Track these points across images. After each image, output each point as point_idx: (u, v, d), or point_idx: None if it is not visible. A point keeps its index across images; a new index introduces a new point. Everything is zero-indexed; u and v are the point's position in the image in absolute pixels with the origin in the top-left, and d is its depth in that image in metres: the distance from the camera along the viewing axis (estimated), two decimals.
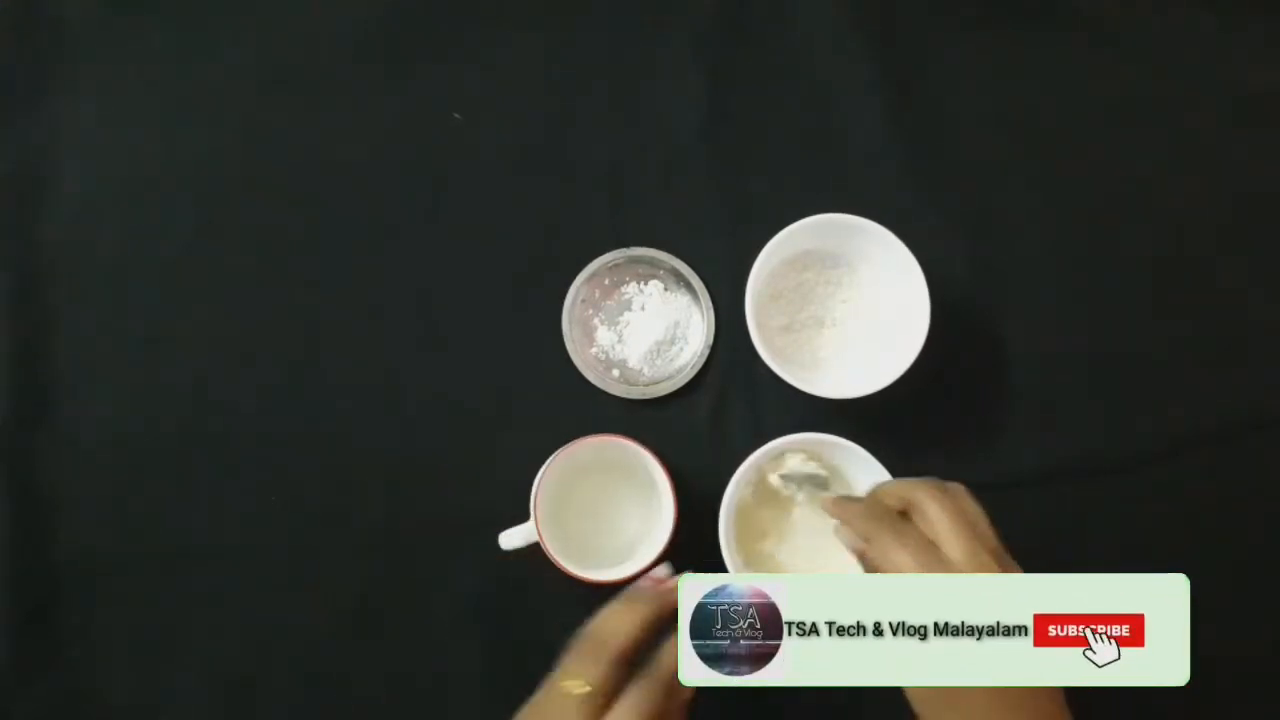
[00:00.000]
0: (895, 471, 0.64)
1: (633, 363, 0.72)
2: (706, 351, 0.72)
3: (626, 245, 0.73)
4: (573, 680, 0.53)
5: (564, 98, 0.75)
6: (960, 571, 0.50)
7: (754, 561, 0.67)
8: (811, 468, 0.67)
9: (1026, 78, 0.76)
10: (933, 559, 0.51)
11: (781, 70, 0.76)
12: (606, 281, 0.73)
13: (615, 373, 0.72)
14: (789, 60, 0.76)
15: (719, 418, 0.72)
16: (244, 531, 0.71)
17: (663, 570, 0.64)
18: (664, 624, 0.56)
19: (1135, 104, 0.76)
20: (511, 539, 0.65)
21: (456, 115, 0.75)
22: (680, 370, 0.72)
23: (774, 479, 0.67)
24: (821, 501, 0.61)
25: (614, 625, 0.55)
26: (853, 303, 0.71)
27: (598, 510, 0.69)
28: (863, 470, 0.66)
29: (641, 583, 0.61)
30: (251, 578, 0.71)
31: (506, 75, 0.76)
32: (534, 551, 0.64)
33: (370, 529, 0.71)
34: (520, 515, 0.65)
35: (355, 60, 0.75)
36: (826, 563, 0.67)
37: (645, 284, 0.73)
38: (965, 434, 0.72)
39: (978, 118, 0.76)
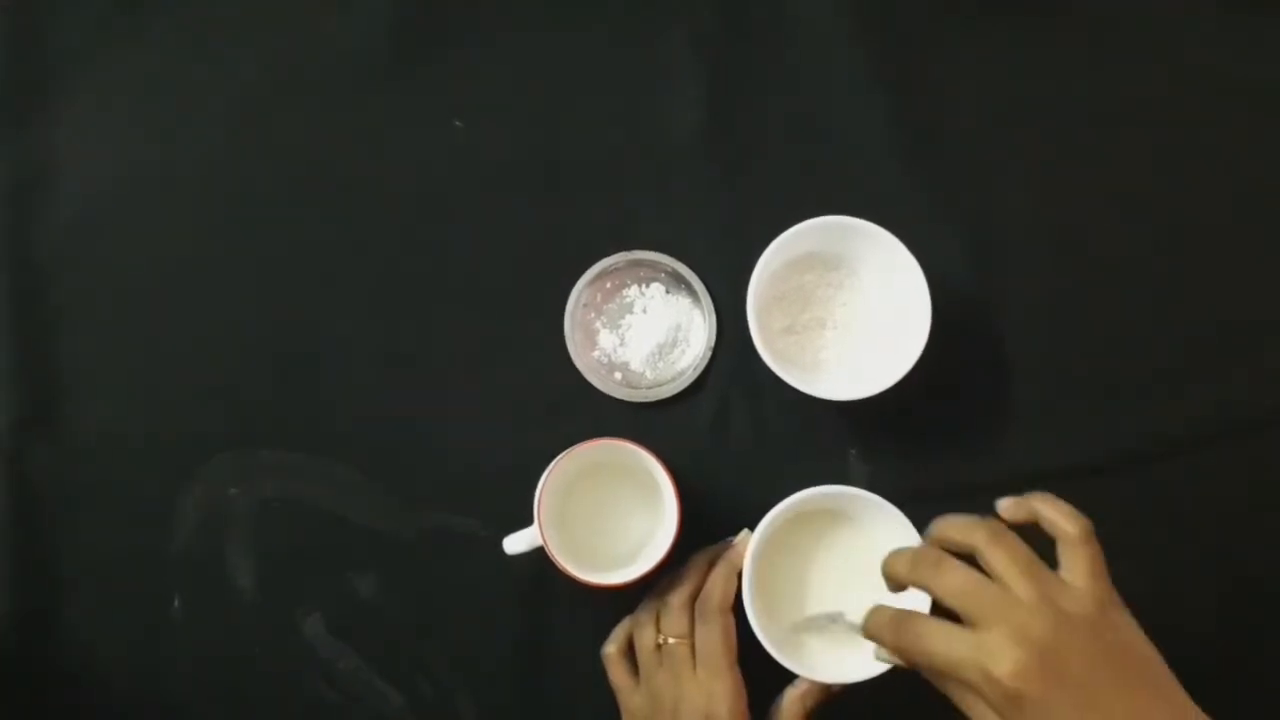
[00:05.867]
0: (904, 491, 0.65)
1: (635, 365, 0.72)
2: (709, 354, 0.72)
3: (627, 248, 0.73)
4: (682, 637, 0.64)
5: (564, 100, 0.75)
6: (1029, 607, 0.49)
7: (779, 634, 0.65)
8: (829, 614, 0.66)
9: (1026, 77, 0.76)
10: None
11: (782, 71, 0.75)
12: (608, 284, 0.73)
13: (617, 376, 0.72)
14: (789, 61, 0.75)
15: (721, 420, 0.72)
16: (244, 534, 0.71)
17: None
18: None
19: (1136, 102, 0.76)
20: (516, 543, 0.65)
21: (457, 123, 0.74)
22: (682, 373, 0.72)
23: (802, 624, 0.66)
24: (885, 564, 0.57)
25: (723, 591, 0.64)
26: (854, 305, 0.71)
27: (601, 513, 0.69)
28: (883, 521, 0.65)
29: (717, 547, 0.67)
30: (253, 582, 0.71)
31: (506, 79, 0.75)
32: (538, 555, 0.64)
33: (372, 535, 0.71)
34: (524, 519, 0.65)
35: (355, 67, 0.75)
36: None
37: (646, 286, 0.73)
38: (966, 434, 0.72)
39: (978, 118, 0.75)
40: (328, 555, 0.71)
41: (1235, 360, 0.73)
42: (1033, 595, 0.49)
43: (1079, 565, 0.51)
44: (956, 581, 0.51)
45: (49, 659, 0.70)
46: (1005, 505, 0.55)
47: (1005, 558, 0.50)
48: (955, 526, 0.53)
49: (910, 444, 0.71)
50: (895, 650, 0.53)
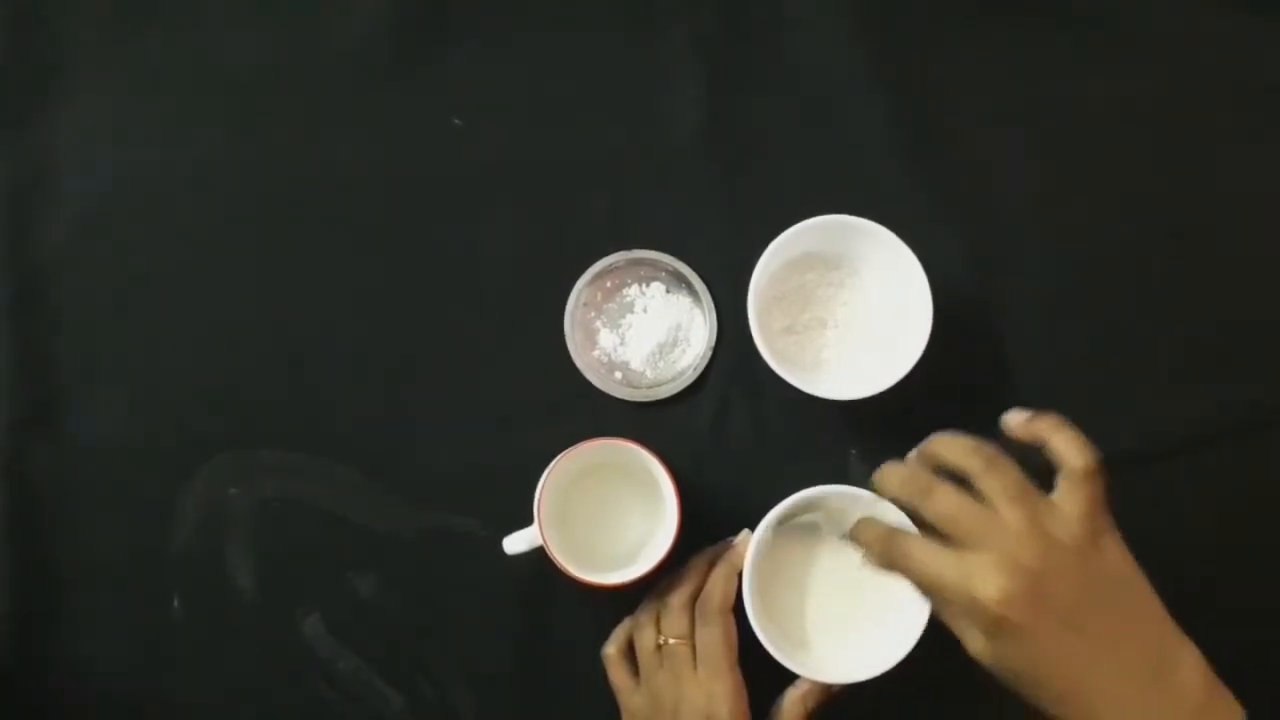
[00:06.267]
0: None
1: (635, 365, 0.72)
2: (709, 353, 0.72)
3: (628, 247, 0.73)
4: (682, 637, 0.64)
5: (564, 99, 0.75)
6: (1019, 534, 0.50)
7: (778, 621, 0.66)
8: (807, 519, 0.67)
9: (1026, 77, 0.76)
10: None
11: (782, 70, 0.75)
12: (608, 284, 0.73)
13: (618, 375, 0.72)
14: (789, 60, 0.75)
15: (722, 419, 0.72)
16: (244, 534, 0.71)
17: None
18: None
19: (1136, 102, 0.76)
20: (515, 543, 0.65)
21: (456, 120, 0.74)
22: (683, 372, 0.72)
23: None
24: (876, 478, 0.58)
25: (723, 592, 0.64)
26: (855, 304, 0.71)
27: (602, 513, 0.69)
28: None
29: (717, 547, 0.67)
30: (253, 582, 0.71)
31: (506, 78, 0.75)
32: (538, 555, 0.64)
33: (372, 535, 0.71)
34: (524, 519, 0.65)
35: (355, 66, 0.75)
36: (853, 624, 0.67)
37: (647, 286, 0.73)
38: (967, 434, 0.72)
39: (978, 117, 0.75)
40: (328, 555, 0.71)
41: (1235, 360, 0.73)
42: (1023, 522, 0.50)
43: (1076, 497, 0.52)
44: (947, 506, 0.51)
45: (49, 659, 0.70)
46: (1014, 421, 0.56)
47: (998, 485, 0.51)
48: (951, 449, 0.54)
49: (911, 444, 0.70)
50: (883, 566, 0.54)
